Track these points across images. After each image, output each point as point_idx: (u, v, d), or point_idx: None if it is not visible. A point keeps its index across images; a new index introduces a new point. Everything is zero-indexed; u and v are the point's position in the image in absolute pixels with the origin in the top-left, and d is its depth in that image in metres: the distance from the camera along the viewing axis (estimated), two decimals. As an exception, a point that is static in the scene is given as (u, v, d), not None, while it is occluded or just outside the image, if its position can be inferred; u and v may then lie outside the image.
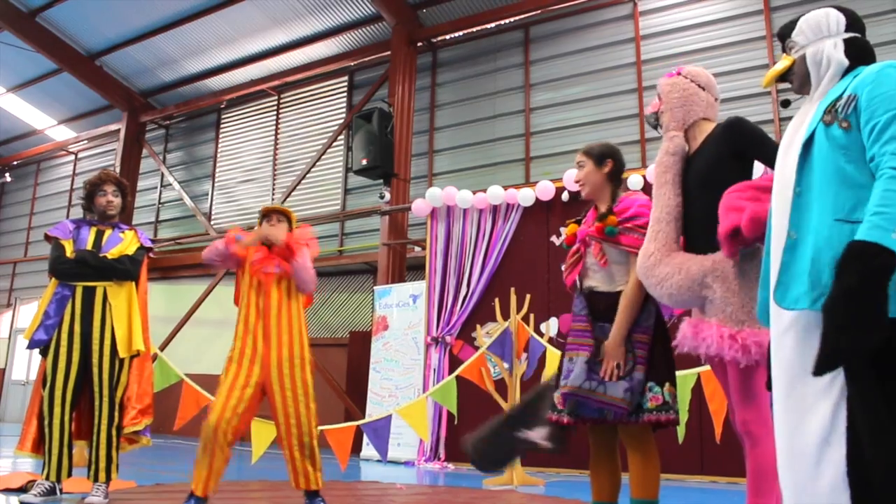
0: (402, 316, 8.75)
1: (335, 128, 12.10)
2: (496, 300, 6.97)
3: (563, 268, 3.20)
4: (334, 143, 12.01)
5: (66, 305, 4.15)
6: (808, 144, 1.92)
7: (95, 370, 4.12)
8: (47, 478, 4.04)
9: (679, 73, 2.91)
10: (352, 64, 11.99)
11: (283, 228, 3.94)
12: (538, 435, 2.95)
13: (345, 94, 12.42)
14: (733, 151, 2.66)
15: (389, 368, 8.62)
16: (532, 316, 6.67)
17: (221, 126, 14.06)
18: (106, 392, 4.11)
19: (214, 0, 11.61)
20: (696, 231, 2.70)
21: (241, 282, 4.00)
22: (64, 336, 4.11)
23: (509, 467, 3.14)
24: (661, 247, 2.71)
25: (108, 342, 4.14)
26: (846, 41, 2.02)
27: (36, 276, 15.80)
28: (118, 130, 14.37)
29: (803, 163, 1.92)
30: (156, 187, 14.67)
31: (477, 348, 7.15)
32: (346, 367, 10.81)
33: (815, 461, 1.77)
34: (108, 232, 4.34)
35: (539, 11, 10.22)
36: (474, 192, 8.40)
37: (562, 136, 9.97)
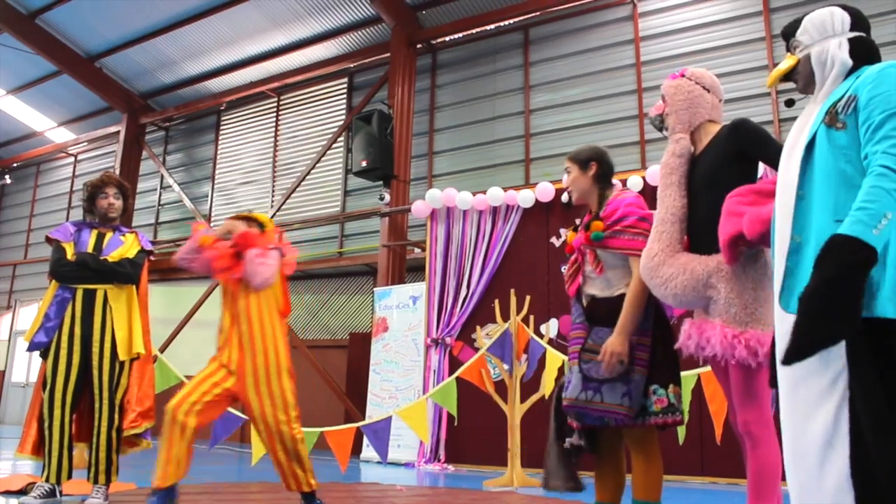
0: (401, 317, 8.75)
1: (335, 129, 12.11)
2: (496, 301, 6.97)
3: (565, 278, 3.20)
4: (334, 145, 12.01)
5: (66, 308, 4.15)
6: (810, 147, 1.92)
7: (95, 373, 4.12)
8: (47, 480, 4.04)
9: (683, 75, 2.90)
10: (351, 65, 11.99)
11: (254, 231, 3.82)
12: (576, 438, 2.97)
13: (344, 95, 12.42)
14: (738, 152, 2.65)
15: (389, 370, 8.62)
16: (532, 317, 6.67)
17: (221, 128, 14.06)
18: (106, 394, 4.11)
19: (214, 2, 11.61)
20: (701, 232, 2.70)
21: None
22: (64, 338, 4.11)
23: (578, 477, 3.11)
24: (665, 247, 2.70)
25: (108, 345, 4.14)
26: (851, 40, 2.02)
27: (36, 278, 15.80)
28: (118, 132, 14.37)
29: (805, 165, 1.92)
30: (155, 189, 14.67)
31: (477, 350, 7.15)
32: (345, 369, 10.81)
33: (819, 462, 1.77)
34: (108, 235, 4.34)
35: (539, 13, 10.22)
36: (474, 194, 8.40)
37: (561, 138, 9.97)
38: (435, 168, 11.09)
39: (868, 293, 1.69)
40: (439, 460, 7.87)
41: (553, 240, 7.86)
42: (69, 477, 4.14)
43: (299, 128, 12.89)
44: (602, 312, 2.92)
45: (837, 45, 2.01)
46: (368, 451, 8.11)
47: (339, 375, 10.79)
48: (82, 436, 4.28)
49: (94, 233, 4.33)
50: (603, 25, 10.05)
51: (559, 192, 7.84)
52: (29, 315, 15.11)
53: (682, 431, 5.17)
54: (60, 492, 4.09)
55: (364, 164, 9.86)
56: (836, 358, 1.74)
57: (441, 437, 7.96)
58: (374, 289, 9.61)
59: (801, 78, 2.10)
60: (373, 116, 9.96)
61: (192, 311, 12.17)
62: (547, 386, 6.15)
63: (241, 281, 3.62)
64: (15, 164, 17.16)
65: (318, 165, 12.03)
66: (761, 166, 2.77)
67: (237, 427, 5.34)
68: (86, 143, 15.96)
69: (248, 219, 3.83)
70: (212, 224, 13.07)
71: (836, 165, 1.84)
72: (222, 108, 13.88)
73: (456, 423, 7.23)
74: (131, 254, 4.30)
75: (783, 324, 1.93)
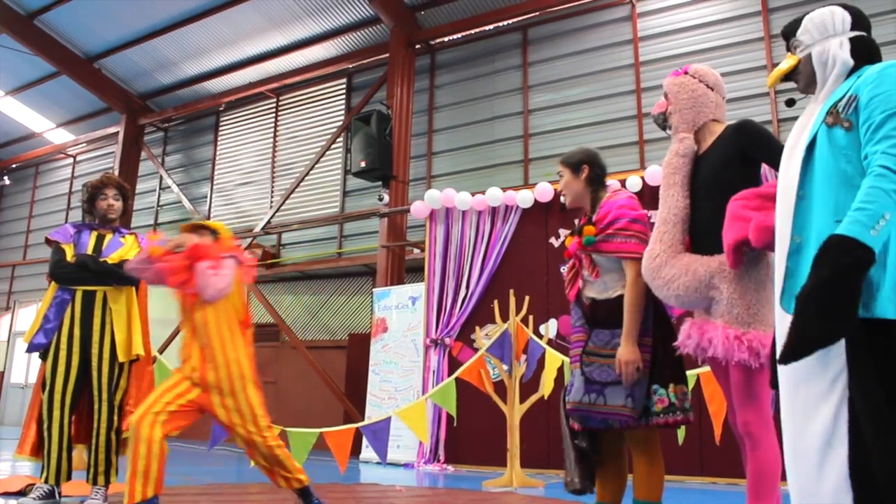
0: (401, 318, 8.75)
1: (334, 130, 12.11)
2: (495, 302, 6.97)
3: (564, 283, 3.19)
4: (333, 146, 12.01)
5: (65, 309, 4.15)
6: (810, 147, 1.91)
7: (95, 374, 4.12)
8: (46, 481, 4.03)
9: (686, 73, 2.88)
10: (350, 66, 12.00)
11: (207, 241, 3.63)
12: (579, 441, 2.97)
13: (343, 96, 12.43)
14: (742, 153, 2.64)
15: (388, 370, 8.62)
16: (531, 317, 6.66)
17: (220, 128, 14.06)
18: (105, 396, 4.11)
19: (213, 3, 11.61)
20: (703, 232, 2.69)
21: None
22: (63, 340, 4.11)
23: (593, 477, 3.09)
24: (667, 248, 2.69)
25: (107, 346, 4.14)
26: (852, 40, 2.01)
27: (34, 279, 15.80)
28: (117, 133, 14.38)
29: (806, 166, 1.91)
30: (154, 190, 14.67)
31: (476, 350, 7.15)
32: (345, 370, 10.80)
33: (819, 463, 1.77)
34: (108, 236, 4.34)
35: (537, 13, 10.22)
36: (473, 194, 8.40)
37: (561, 138, 9.97)
38: (434, 168, 11.09)
39: (868, 294, 1.69)
40: (439, 461, 7.87)
41: (552, 240, 7.86)
42: (68, 478, 4.14)
43: (298, 128, 12.89)
44: (602, 314, 2.92)
45: (839, 45, 2.01)
46: (368, 452, 8.10)
47: (338, 376, 10.79)
48: (81, 437, 4.28)
49: (94, 234, 4.32)
50: (602, 25, 10.05)
51: (558, 193, 7.84)
52: (28, 316, 15.11)
53: (681, 432, 5.17)
54: (59, 493, 4.09)
55: (363, 164, 9.86)
56: (835, 358, 1.74)
57: (440, 437, 7.95)
58: (374, 289, 9.61)
59: (803, 78, 2.09)
60: (372, 117, 9.96)
61: (192, 311, 12.14)
62: (546, 386, 6.15)
63: (197, 293, 3.49)
64: (14, 166, 17.16)
65: (317, 166, 12.03)
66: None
67: (236, 428, 5.32)
68: (85, 144, 15.96)
69: (202, 227, 3.69)
70: (211, 225, 13.06)
71: (837, 166, 1.83)
72: (221, 108, 13.88)
73: (455, 424, 7.23)
74: (131, 255, 4.28)
75: (783, 324, 1.92)
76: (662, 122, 2.94)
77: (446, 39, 11.09)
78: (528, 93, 10.46)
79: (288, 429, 5.33)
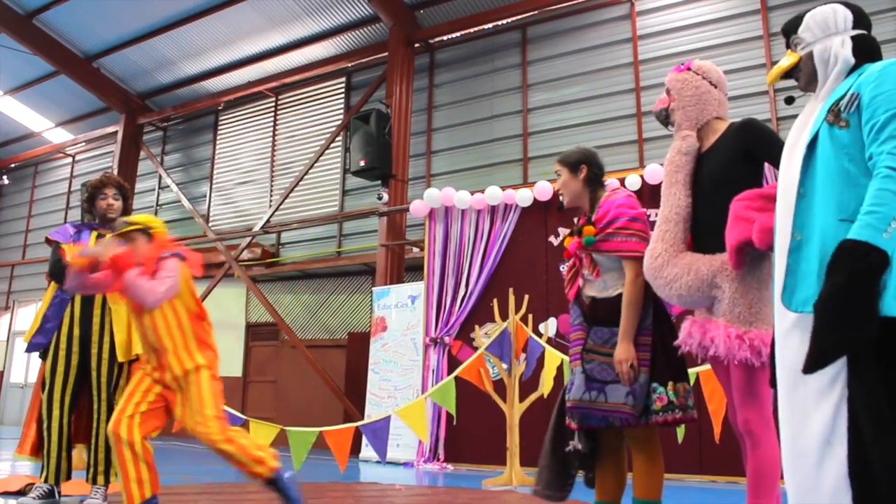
0: (400, 317, 8.75)
1: (333, 129, 12.10)
2: (494, 301, 6.97)
3: (564, 282, 3.18)
4: (332, 145, 12.00)
5: (65, 309, 4.15)
6: (812, 145, 1.91)
7: (94, 374, 4.12)
8: (46, 481, 4.03)
9: (689, 68, 2.85)
10: (349, 65, 11.99)
11: (140, 243, 3.47)
12: (576, 442, 2.96)
13: (342, 95, 12.42)
14: (746, 152, 2.63)
15: (388, 369, 8.62)
16: (530, 316, 6.66)
17: (219, 128, 14.05)
18: (104, 396, 4.11)
19: (212, 2, 11.61)
20: (706, 231, 2.68)
21: None
22: (63, 340, 4.10)
23: (572, 486, 3.09)
24: (668, 247, 2.68)
25: (106, 346, 4.14)
26: (853, 38, 2.01)
27: (34, 278, 15.79)
28: (116, 132, 14.37)
29: (807, 164, 1.91)
30: (153, 189, 14.67)
31: (475, 349, 7.15)
32: (344, 369, 10.81)
33: (818, 462, 1.76)
34: (108, 236, 4.34)
35: (536, 12, 10.22)
36: (472, 193, 8.40)
37: (560, 137, 9.97)
38: (433, 167, 11.09)
39: None
40: (438, 459, 7.87)
41: (551, 238, 7.86)
42: (68, 478, 4.14)
43: (297, 127, 12.88)
44: (601, 312, 2.92)
45: (840, 43, 2.00)
46: (367, 451, 8.11)
47: (337, 375, 10.79)
48: (81, 437, 4.28)
49: (94, 234, 4.32)
50: (600, 24, 10.05)
51: (557, 192, 7.84)
52: (27, 316, 15.12)
53: (680, 430, 5.17)
54: (59, 493, 4.09)
55: (362, 163, 9.86)
56: None
57: (440, 436, 7.96)
58: (373, 288, 9.61)
59: (804, 76, 2.08)
60: (371, 116, 9.96)
61: (191, 311, 12.15)
62: (546, 385, 6.16)
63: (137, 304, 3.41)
64: (13, 165, 17.15)
65: (316, 165, 12.02)
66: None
67: (236, 427, 5.33)
68: (84, 144, 15.94)
69: (134, 230, 3.48)
70: (210, 224, 13.08)
71: (839, 164, 1.83)
72: (220, 107, 13.87)
73: (455, 423, 7.23)
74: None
75: (784, 322, 1.92)
76: (664, 118, 2.91)
77: (445, 38, 11.08)
78: (527, 91, 10.46)
79: (287, 428, 5.34)
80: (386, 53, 10.87)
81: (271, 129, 13.20)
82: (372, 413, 8.22)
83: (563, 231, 7.58)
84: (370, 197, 11.07)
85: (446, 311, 8.27)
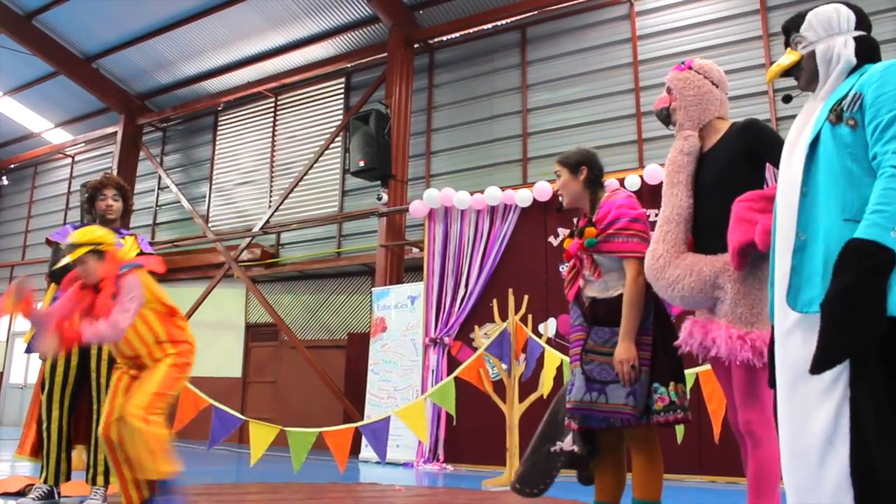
0: (400, 317, 8.75)
1: (332, 129, 12.10)
2: (494, 301, 6.97)
3: (564, 283, 3.18)
4: (332, 145, 12.00)
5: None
6: (813, 144, 1.90)
7: (94, 375, 4.11)
8: (45, 482, 4.04)
9: (690, 67, 2.84)
10: (349, 65, 11.99)
11: (92, 265, 3.37)
12: (568, 442, 2.96)
13: (342, 95, 12.42)
14: (748, 152, 2.62)
15: (388, 370, 8.62)
16: (530, 316, 6.67)
17: (218, 128, 14.05)
18: (104, 397, 4.11)
19: (211, 2, 11.60)
20: (707, 231, 2.67)
21: None
22: (62, 340, 4.10)
23: (549, 486, 3.09)
24: (670, 248, 2.67)
25: (106, 347, 4.13)
26: (856, 39, 2.01)
27: (34, 279, 15.73)
28: (115, 133, 14.36)
29: (809, 163, 1.90)
30: (153, 190, 14.66)
31: (475, 349, 7.15)
32: (344, 369, 10.81)
33: (819, 462, 1.76)
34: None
35: (536, 12, 10.22)
36: (472, 193, 8.40)
37: (559, 137, 9.97)
38: (433, 168, 11.09)
39: None
40: (438, 460, 7.87)
41: (551, 239, 7.86)
42: (67, 478, 4.14)
43: (297, 128, 12.88)
44: (602, 313, 2.92)
45: (843, 43, 2.00)
46: (367, 452, 8.11)
47: (337, 375, 10.79)
48: (81, 437, 4.28)
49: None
50: (600, 24, 10.05)
51: (557, 192, 7.84)
52: (27, 316, 15.07)
53: (680, 430, 5.17)
54: (59, 493, 4.09)
55: (362, 163, 9.86)
56: None
57: (440, 436, 7.96)
58: (373, 289, 9.61)
59: (805, 75, 2.07)
60: (370, 116, 9.95)
61: (191, 311, 12.15)
62: (545, 385, 6.15)
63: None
64: (12, 166, 17.14)
65: (315, 165, 12.02)
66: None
67: (235, 428, 5.34)
68: (83, 144, 15.94)
69: (81, 249, 3.35)
70: (209, 225, 13.08)
71: (842, 163, 1.83)
72: (220, 108, 13.86)
73: (454, 423, 7.23)
74: (130, 256, 4.29)
75: (785, 321, 1.92)
76: (665, 117, 2.89)
77: (445, 38, 11.08)
78: (526, 92, 10.46)
79: (287, 428, 5.33)
80: (385, 54, 10.87)
81: (271, 129, 13.20)
82: (371, 413, 8.22)
83: (562, 231, 7.58)
84: (370, 197, 11.07)
85: (446, 311, 8.27)
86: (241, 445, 10.12)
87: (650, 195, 7.03)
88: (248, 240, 12.16)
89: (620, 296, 2.87)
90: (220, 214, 13.52)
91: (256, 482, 5.76)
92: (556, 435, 3.03)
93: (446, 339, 8.16)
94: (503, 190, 8.23)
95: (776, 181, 2.12)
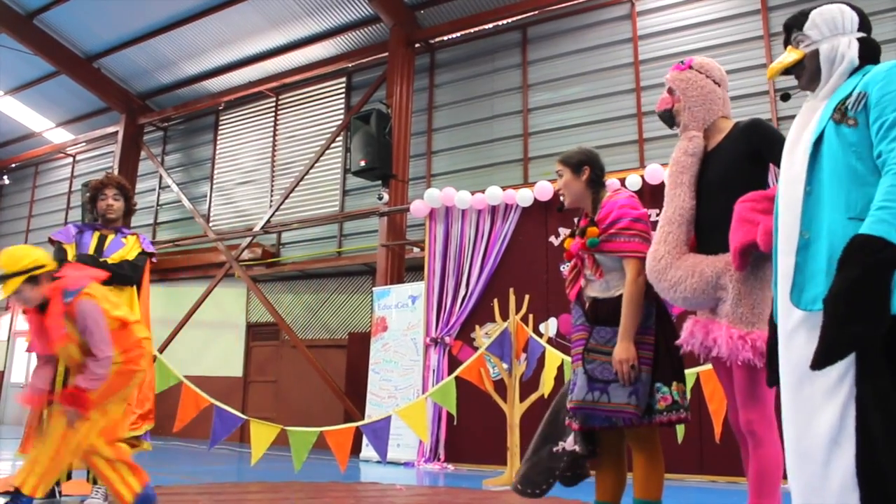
0: (400, 317, 8.75)
1: (333, 129, 12.10)
2: (495, 301, 6.97)
3: (565, 283, 3.18)
4: (332, 145, 12.00)
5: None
6: (817, 143, 1.90)
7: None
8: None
9: (690, 66, 2.82)
10: (350, 65, 11.99)
11: (28, 294, 3.24)
12: (570, 443, 2.96)
13: (343, 95, 12.42)
14: (751, 152, 2.62)
15: (388, 369, 8.62)
16: (531, 316, 6.67)
17: (220, 128, 14.05)
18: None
19: (212, 2, 11.60)
20: (710, 231, 2.67)
21: None
22: (64, 339, 4.10)
23: (552, 486, 3.09)
24: (671, 249, 2.67)
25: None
26: (859, 40, 2.01)
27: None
28: (116, 133, 14.37)
29: (813, 161, 1.91)
30: (154, 189, 14.66)
31: (476, 349, 7.15)
32: (345, 369, 10.80)
33: (825, 461, 1.75)
34: (110, 236, 4.35)
35: (537, 12, 10.22)
36: (473, 193, 8.41)
37: (560, 137, 9.97)
38: (433, 167, 11.09)
39: None
40: (439, 459, 7.88)
41: (552, 239, 7.86)
42: (69, 477, 4.14)
43: (298, 127, 12.88)
44: (603, 313, 2.92)
45: (847, 44, 2.00)
46: (368, 451, 8.11)
47: (338, 375, 10.79)
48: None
49: (96, 234, 4.33)
50: (601, 24, 10.05)
51: (557, 192, 7.84)
52: (28, 316, 15.06)
53: (680, 430, 5.17)
54: (60, 492, 4.10)
55: (362, 163, 9.86)
56: None
57: (440, 436, 7.96)
58: (373, 288, 9.61)
59: (807, 73, 2.07)
60: (371, 116, 9.96)
61: (191, 311, 12.17)
62: (546, 385, 6.16)
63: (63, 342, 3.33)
64: (13, 165, 17.15)
65: (316, 165, 12.02)
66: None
67: (236, 427, 5.35)
68: (84, 144, 15.94)
69: (15, 279, 3.20)
70: (210, 224, 13.08)
71: (847, 162, 1.83)
72: (221, 108, 13.87)
73: (455, 423, 7.23)
74: (131, 256, 4.30)
75: (789, 320, 1.91)
76: (669, 118, 2.88)
77: (446, 38, 11.08)
78: (527, 91, 10.46)
79: (288, 428, 5.34)
80: (386, 53, 10.87)
81: (272, 129, 13.20)
82: (372, 413, 8.23)
83: (563, 231, 7.58)
84: (370, 197, 11.07)
85: (447, 311, 8.27)
86: (241, 445, 10.12)
87: (651, 195, 7.04)
88: (248, 239, 12.16)
89: (622, 296, 2.87)
90: (221, 214, 13.52)
91: (257, 481, 5.77)
92: (557, 435, 3.03)
93: (447, 339, 8.17)
94: (504, 190, 8.24)
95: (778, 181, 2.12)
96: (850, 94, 1.88)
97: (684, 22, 9.43)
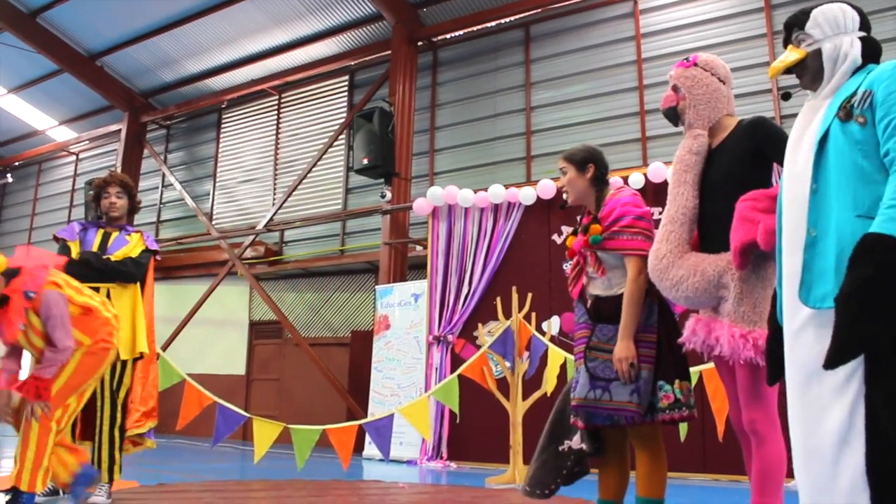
0: (403, 315, 8.75)
1: (336, 127, 12.10)
2: (498, 299, 6.97)
3: (568, 281, 3.17)
4: (335, 143, 12.00)
5: (69, 306, 4.16)
6: (822, 141, 1.90)
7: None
8: (50, 478, 4.05)
9: (695, 63, 2.80)
10: (352, 63, 11.99)
11: None
12: (577, 441, 2.96)
13: (345, 93, 12.42)
14: (755, 150, 2.60)
15: (391, 367, 8.63)
16: (534, 314, 6.67)
17: (222, 126, 14.06)
18: (108, 393, 4.13)
19: (215, 0, 11.61)
20: (713, 229, 2.66)
21: None
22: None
23: (561, 485, 3.09)
24: (673, 248, 2.66)
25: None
26: (861, 39, 2.01)
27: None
28: (119, 131, 14.38)
29: (819, 160, 1.90)
30: (157, 187, 14.68)
31: (479, 347, 7.15)
32: (347, 367, 10.82)
33: (834, 461, 1.74)
34: (114, 234, 4.36)
35: (539, 10, 10.21)
36: (475, 191, 8.40)
37: (563, 135, 9.96)
38: (436, 165, 11.09)
39: None
40: (441, 458, 7.88)
41: (555, 237, 7.86)
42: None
43: (300, 125, 12.89)
44: (606, 311, 2.91)
45: (850, 43, 1.99)
46: (371, 449, 8.12)
47: (341, 373, 10.80)
48: (85, 434, 4.30)
49: (100, 232, 4.35)
50: (604, 22, 10.04)
51: (560, 190, 7.82)
52: (31, 313, 15.09)
53: (683, 428, 5.18)
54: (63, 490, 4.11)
55: (365, 161, 9.86)
56: None
57: (443, 434, 7.96)
58: (376, 286, 9.62)
59: (809, 72, 2.06)
60: (374, 114, 9.96)
61: (195, 309, 12.19)
62: (549, 383, 6.16)
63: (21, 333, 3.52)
64: (16, 163, 17.18)
65: (319, 163, 12.02)
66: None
67: (239, 425, 5.36)
68: (87, 142, 15.97)
69: None
70: (213, 222, 13.09)
71: (853, 160, 1.82)
72: (223, 106, 13.88)
73: (458, 421, 7.24)
74: (135, 253, 4.31)
75: (795, 318, 1.90)
76: (674, 115, 2.85)
77: (448, 36, 11.08)
78: (530, 89, 10.45)
79: (291, 426, 5.35)
80: (389, 51, 10.87)
81: (274, 127, 13.21)
82: (375, 411, 8.23)
83: (566, 229, 7.58)
84: (373, 195, 11.08)
85: (449, 309, 8.27)
86: (244, 442, 10.14)
87: (654, 193, 7.02)
88: (251, 237, 12.17)
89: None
90: (224, 212, 13.54)
91: (260, 479, 5.77)
92: (563, 433, 3.03)
93: (450, 337, 8.17)
94: (507, 188, 8.23)
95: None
96: (854, 93, 1.88)
97: (687, 20, 9.41)
